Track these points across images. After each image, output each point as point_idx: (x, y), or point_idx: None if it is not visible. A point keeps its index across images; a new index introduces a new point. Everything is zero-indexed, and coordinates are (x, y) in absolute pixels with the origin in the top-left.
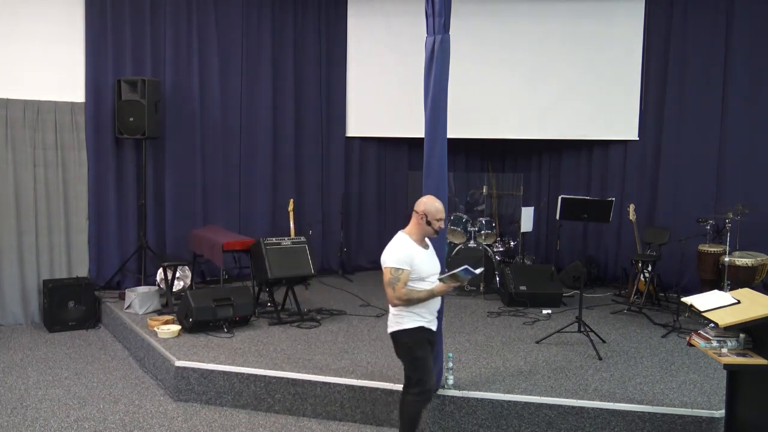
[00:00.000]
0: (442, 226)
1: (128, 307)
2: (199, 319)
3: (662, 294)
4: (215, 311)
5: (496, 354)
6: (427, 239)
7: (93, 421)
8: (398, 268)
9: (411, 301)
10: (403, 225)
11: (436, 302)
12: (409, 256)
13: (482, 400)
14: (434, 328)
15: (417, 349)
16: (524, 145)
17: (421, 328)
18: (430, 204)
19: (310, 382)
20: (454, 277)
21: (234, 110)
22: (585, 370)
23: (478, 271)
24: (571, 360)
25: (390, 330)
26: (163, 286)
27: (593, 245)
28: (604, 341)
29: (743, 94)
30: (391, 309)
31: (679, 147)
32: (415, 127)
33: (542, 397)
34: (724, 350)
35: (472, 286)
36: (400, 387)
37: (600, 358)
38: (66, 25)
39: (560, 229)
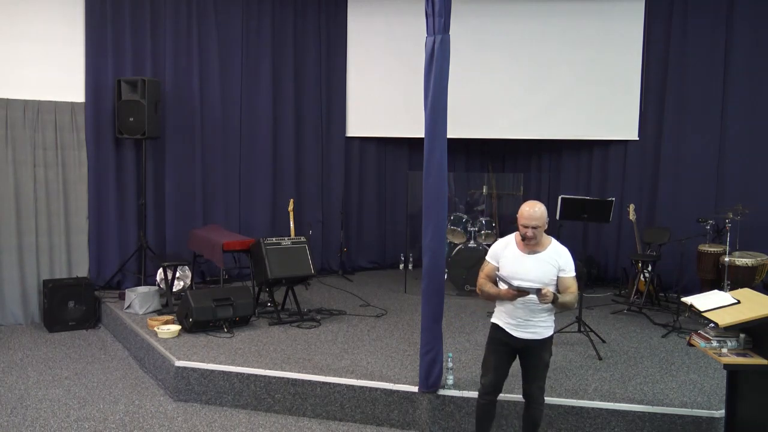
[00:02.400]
0: (528, 234)
1: (128, 307)
2: (199, 319)
3: (662, 294)
4: (215, 311)
5: None
6: (544, 245)
7: (93, 421)
8: (486, 260)
9: (483, 294)
10: (403, 225)
11: (518, 309)
12: (495, 252)
13: None
14: (516, 334)
15: (488, 344)
16: (524, 145)
17: (497, 327)
18: (520, 209)
19: (310, 382)
20: (517, 288)
21: (234, 110)
22: (585, 370)
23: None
24: (571, 360)
25: None
26: (163, 286)
27: (593, 245)
28: (604, 341)
29: (743, 94)
30: None
31: (679, 147)
32: (415, 127)
33: None
34: (724, 350)
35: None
36: (400, 387)
37: (600, 358)
38: (66, 25)
39: (560, 229)
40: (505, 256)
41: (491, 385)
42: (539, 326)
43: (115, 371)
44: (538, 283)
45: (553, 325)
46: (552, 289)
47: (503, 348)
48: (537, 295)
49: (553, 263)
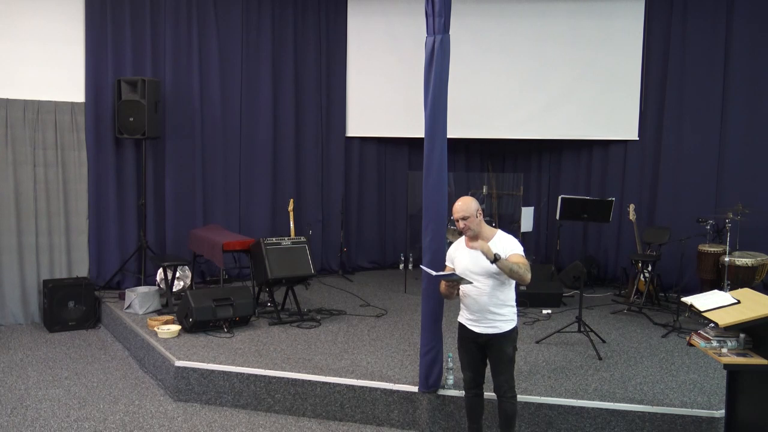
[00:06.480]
0: (461, 225)
1: (128, 307)
2: (199, 319)
3: (662, 294)
4: (215, 311)
5: None
6: (488, 238)
7: (93, 421)
8: (446, 263)
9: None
10: (403, 225)
11: (472, 302)
12: (449, 254)
13: None
14: (477, 329)
15: (457, 343)
16: (524, 145)
17: (460, 325)
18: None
19: (310, 382)
20: (448, 278)
21: (234, 110)
22: (585, 370)
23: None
24: (571, 360)
25: None
26: (163, 286)
27: (593, 245)
28: (604, 341)
29: (743, 94)
30: None
31: (679, 147)
32: (415, 127)
33: (542, 397)
34: (724, 350)
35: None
36: (400, 387)
37: (600, 358)
38: (66, 25)
39: (560, 229)
40: (457, 256)
41: (470, 381)
42: (498, 320)
43: (115, 371)
44: (485, 274)
45: (515, 319)
46: (501, 278)
47: (470, 344)
48: (459, 281)
49: (498, 252)
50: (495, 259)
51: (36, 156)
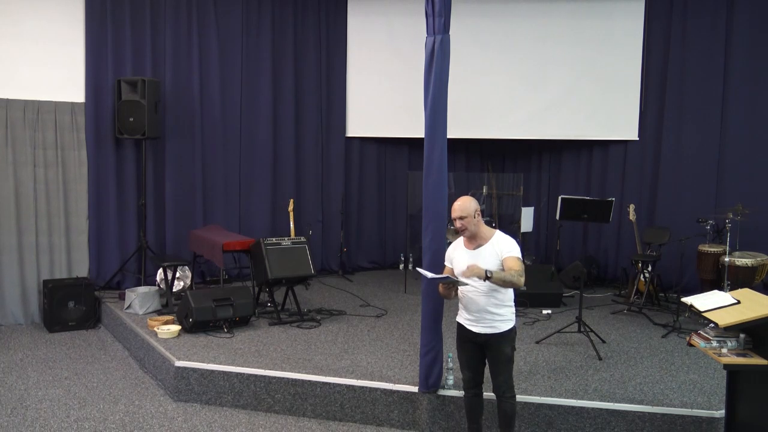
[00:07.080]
0: (458, 225)
1: (128, 307)
2: (199, 319)
3: (662, 294)
4: (215, 311)
5: None
6: (486, 239)
7: (93, 421)
8: (445, 264)
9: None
10: (403, 225)
11: (470, 302)
12: (448, 255)
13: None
14: (475, 329)
15: (456, 343)
16: (524, 145)
17: (459, 324)
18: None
19: (310, 382)
20: (444, 281)
21: (234, 110)
22: (585, 370)
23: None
24: (571, 360)
25: None
26: (163, 286)
27: (593, 245)
28: (604, 341)
29: (743, 94)
30: None
31: (679, 147)
32: (415, 127)
33: (542, 397)
34: (724, 350)
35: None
36: (400, 387)
37: (600, 358)
38: (66, 25)
39: (560, 229)
40: (456, 257)
41: (469, 380)
42: (496, 320)
43: (115, 371)
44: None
45: (513, 319)
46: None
47: (468, 344)
48: (455, 283)
49: (495, 253)
50: (487, 277)
51: (36, 156)
